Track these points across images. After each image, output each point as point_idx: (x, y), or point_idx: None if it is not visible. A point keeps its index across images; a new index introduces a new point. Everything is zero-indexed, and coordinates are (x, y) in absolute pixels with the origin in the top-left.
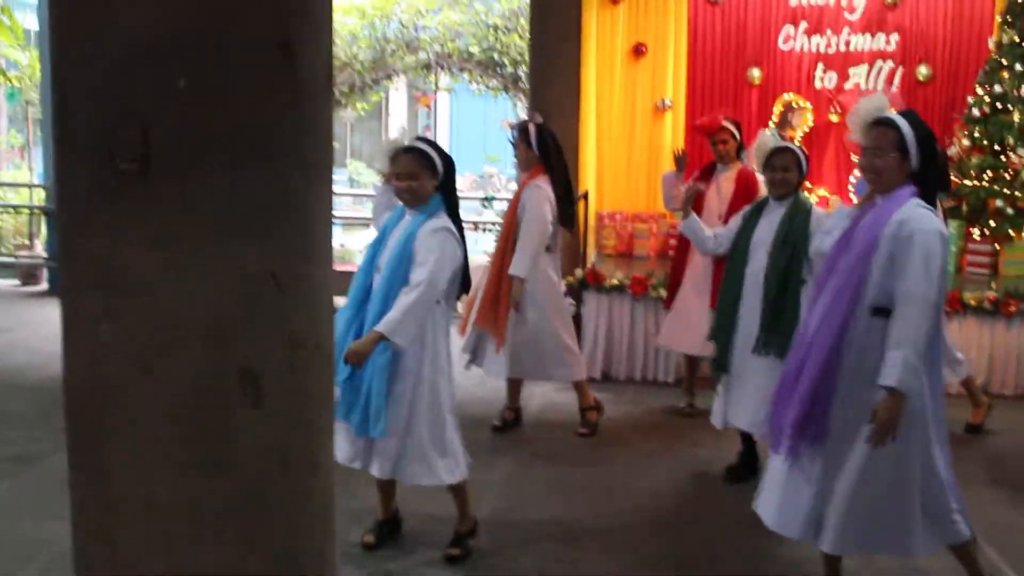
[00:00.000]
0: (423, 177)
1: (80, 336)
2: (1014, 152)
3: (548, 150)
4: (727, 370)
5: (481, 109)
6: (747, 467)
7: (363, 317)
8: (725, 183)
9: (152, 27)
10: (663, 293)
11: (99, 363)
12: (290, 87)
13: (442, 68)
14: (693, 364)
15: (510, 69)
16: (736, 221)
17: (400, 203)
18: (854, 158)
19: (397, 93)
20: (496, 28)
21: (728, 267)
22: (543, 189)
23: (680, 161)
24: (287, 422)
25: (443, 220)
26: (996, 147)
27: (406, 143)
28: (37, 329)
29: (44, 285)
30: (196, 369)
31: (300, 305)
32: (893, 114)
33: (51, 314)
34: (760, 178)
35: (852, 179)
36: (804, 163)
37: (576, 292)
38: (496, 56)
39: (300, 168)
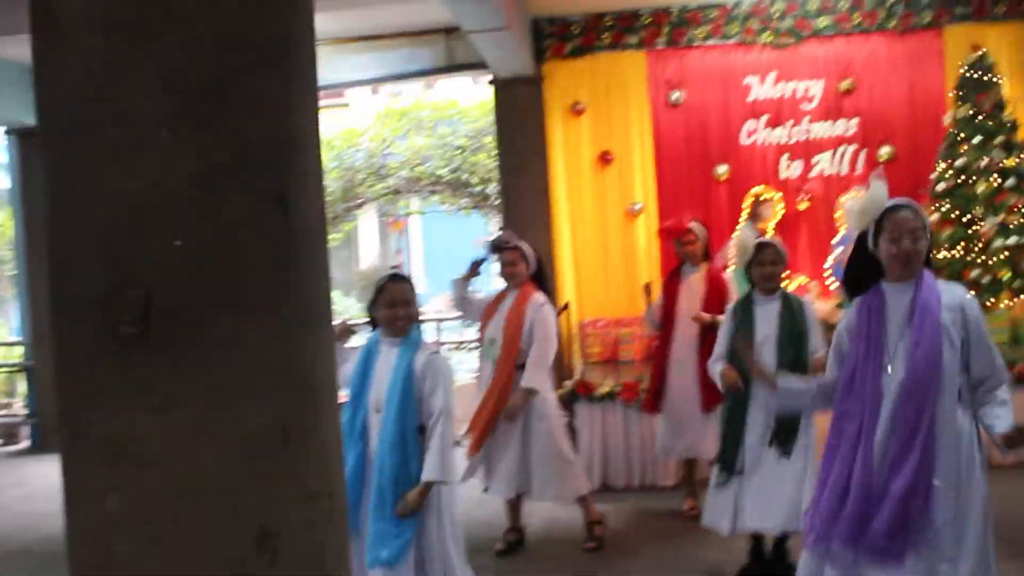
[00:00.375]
0: (415, 305)
1: (85, 510)
2: (982, 222)
3: (541, 266)
4: (740, 471)
5: (453, 229)
6: (759, 568)
7: (368, 458)
8: (695, 284)
9: (147, 188)
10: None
11: (107, 538)
12: (287, 239)
13: (412, 192)
14: (692, 466)
15: (479, 187)
16: (730, 319)
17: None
18: (837, 239)
19: (368, 220)
20: (463, 149)
21: (737, 364)
22: (548, 306)
23: (649, 292)
24: None
25: (431, 346)
26: (964, 219)
27: (397, 270)
28: (22, 489)
29: (26, 443)
30: (210, 535)
31: (312, 457)
32: (909, 200)
33: (35, 473)
34: (728, 276)
35: (828, 264)
36: (785, 255)
37: (567, 404)
38: (464, 176)
39: (302, 319)
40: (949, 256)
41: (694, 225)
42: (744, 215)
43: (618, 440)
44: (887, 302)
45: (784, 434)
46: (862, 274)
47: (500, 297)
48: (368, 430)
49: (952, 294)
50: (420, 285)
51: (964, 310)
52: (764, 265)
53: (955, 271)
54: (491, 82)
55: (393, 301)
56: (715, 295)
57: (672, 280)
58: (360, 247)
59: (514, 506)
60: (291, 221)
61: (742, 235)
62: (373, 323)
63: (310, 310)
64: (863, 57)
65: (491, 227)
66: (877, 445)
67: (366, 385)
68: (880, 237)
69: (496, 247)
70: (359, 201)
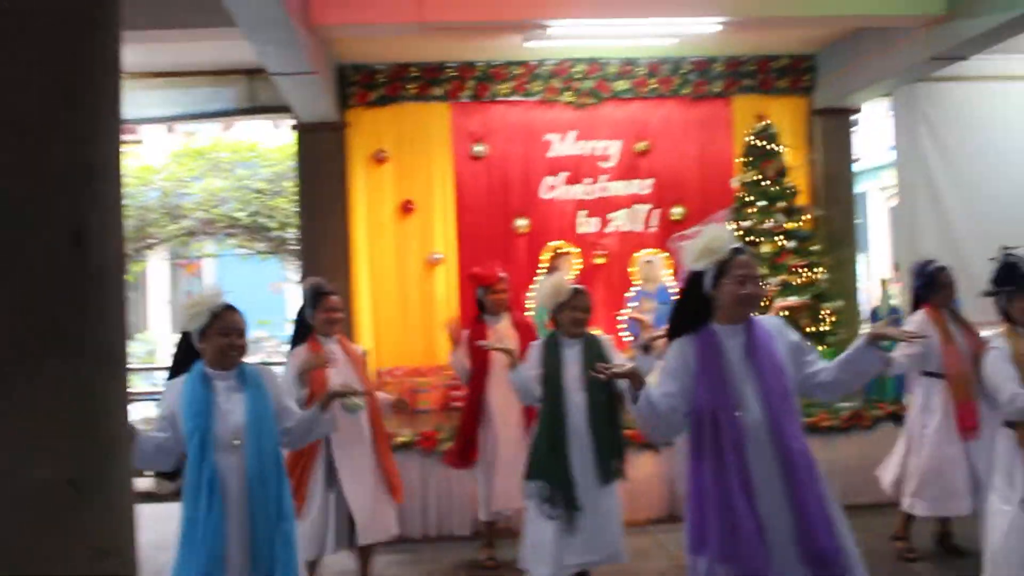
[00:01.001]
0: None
1: None
2: (766, 281)
3: None
4: (580, 507)
5: (248, 273)
6: None
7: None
8: (504, 331)
9: None
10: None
11: None
12: (83, 277)
13: (207, 234)
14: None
15: (277, 232)
16: (537, 358)
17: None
18: (632, 294)
19: (159, 261)
20: (261, 192)
21: (548, 407)
22: None
23: (453, 331)
24: None
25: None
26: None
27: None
28: None
29: None
30: None
31: (102, 513)
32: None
33: None
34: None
35: (622, 318)
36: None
37: None
38: (262, 220)
39: (94, 361)
40: None
41: (504, 275)
42: (544, 268)
43: (415, 489)
44: (723, 343)
45: (606, 459)
46: (693, 315)
47: (316, 347)
48: (220, 472)
49: (771, 324)
50: None
51: (783, 334)
52: (577, 311)
53: None
54: (294, 127)
55: (228, 329)
56: (527, 340)
57: (478, 328)
58: (149, 289)
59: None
60: (87, 259)
61: (557, 279)
62: (190, 356)
63: (106, 354)
64: (658, 120)
65: (288, 272)
66: (756, 480)
67: (210, 425)
68: (724, 278)
69: (321, 292)
70: (150, 242)
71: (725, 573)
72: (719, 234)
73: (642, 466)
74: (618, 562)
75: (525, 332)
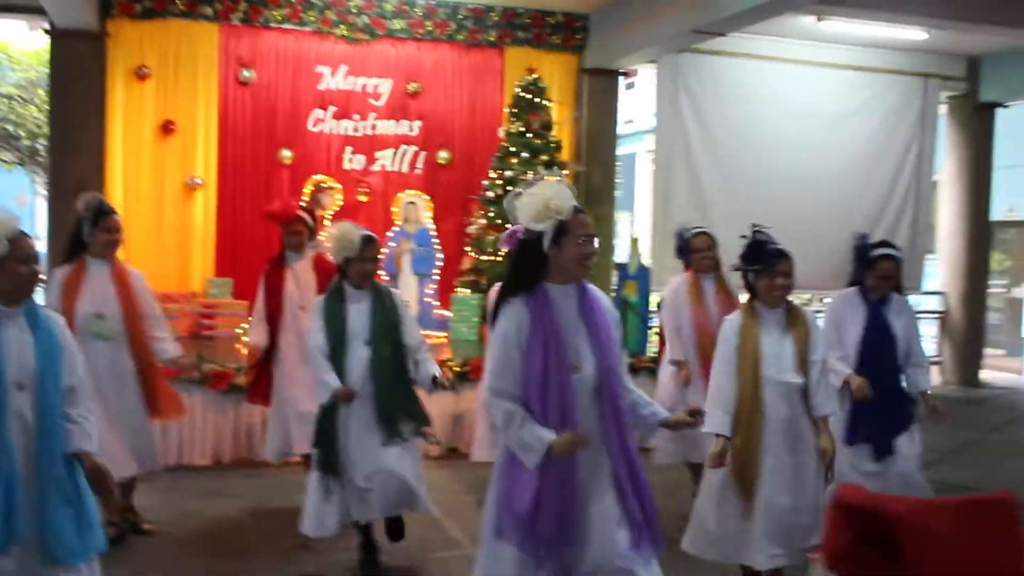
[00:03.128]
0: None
1: None
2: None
3: None
4: (341, 473)
5: None
6: (375, 554)
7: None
8: (303, 272)
9: None
10: (196, 375)
11: None
12: None
13: None
14: None
15: (27, 142)
16: (319, 315)
17: None
18: (392, 234)
19: None
20: (11, 98)
21: (330, 359)
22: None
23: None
24: None
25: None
26: (508, 226)
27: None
28: None
29: None
30: None
31: None
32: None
33: None
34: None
35: (381, 257)
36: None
37: None
38: (11, 128)
39: None
40: (491, 260)
41: (303, 213)
42: (304, 200)
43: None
44: (555, 303)
45: (392, 419)
46: (530, 273)
47: (80, 269)
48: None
49: (601, 295)
50: None
51: (610, 310)
52: (366, 262)
53: (495, 273)
54: (47, 31)
55: (27, 257)
56: (326, 281)
57: (277, 268)
58: None
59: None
60: None
61: (346, 228)
62: None
63: None
64: (431, 63)
65: (38, 184)
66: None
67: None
68: (565, 238)
69: (103, 211)
70: None
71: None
72: (561, 193)
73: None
74: (412, 510)
75: (324, 271)
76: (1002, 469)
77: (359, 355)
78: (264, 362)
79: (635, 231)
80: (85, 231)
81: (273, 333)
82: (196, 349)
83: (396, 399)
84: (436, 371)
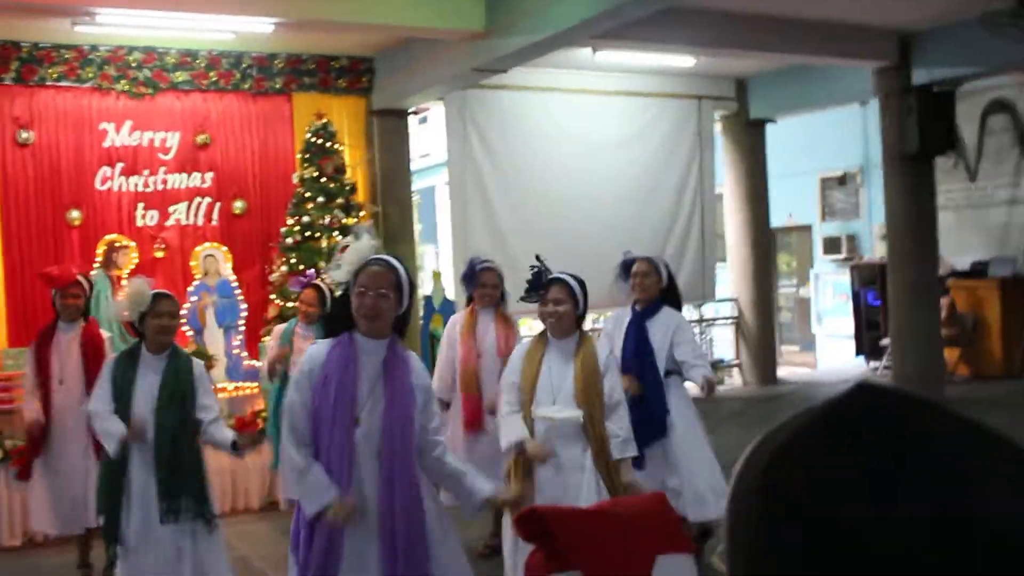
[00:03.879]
0: None
1: None
2: (326, 274)
3: None
4: (123, 542)
5: None
6: None
7: None
8: (69, 342)
9: None
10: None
11: None
12: None
13: None
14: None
15: None
16: (107, 379)
17: None
18: (193, 288)
19: None
20: None
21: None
22: None
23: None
24: None
25: None
26: (311, 271)
27: None
28: None
29: None
30: None
31: None
32: (386, 257)
33: None
34: (106, 335)
35: (183, 312)
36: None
37: None
38: None
39: None
40: (294, 307)
41: (81, 277)
42: (99, 262)
43: None
44: (360, 354)
45: (172, 495)
46: (342, 320)
47: None
48: None
49: (416, 361)
50: None
51: (421, 375)
52: (162, 317)
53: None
54: None
55: None
56: (93, 353)
57: (45, 339)
58: None
59: None
60: None
61: (136, 284)
62: None
63: None
64: (218, 114)
65: None
66: (355, 486)
67: None
68: (353, 289)
69: None
70: None
71: None
72: (360, 247)
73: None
74: None
75: (91, 346)
76: None
77: (144, 424)
78: (33, 437)
79: (440, 264)
80: None
81: (45, 406)
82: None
83: (181, 475)
84: (230, 435)
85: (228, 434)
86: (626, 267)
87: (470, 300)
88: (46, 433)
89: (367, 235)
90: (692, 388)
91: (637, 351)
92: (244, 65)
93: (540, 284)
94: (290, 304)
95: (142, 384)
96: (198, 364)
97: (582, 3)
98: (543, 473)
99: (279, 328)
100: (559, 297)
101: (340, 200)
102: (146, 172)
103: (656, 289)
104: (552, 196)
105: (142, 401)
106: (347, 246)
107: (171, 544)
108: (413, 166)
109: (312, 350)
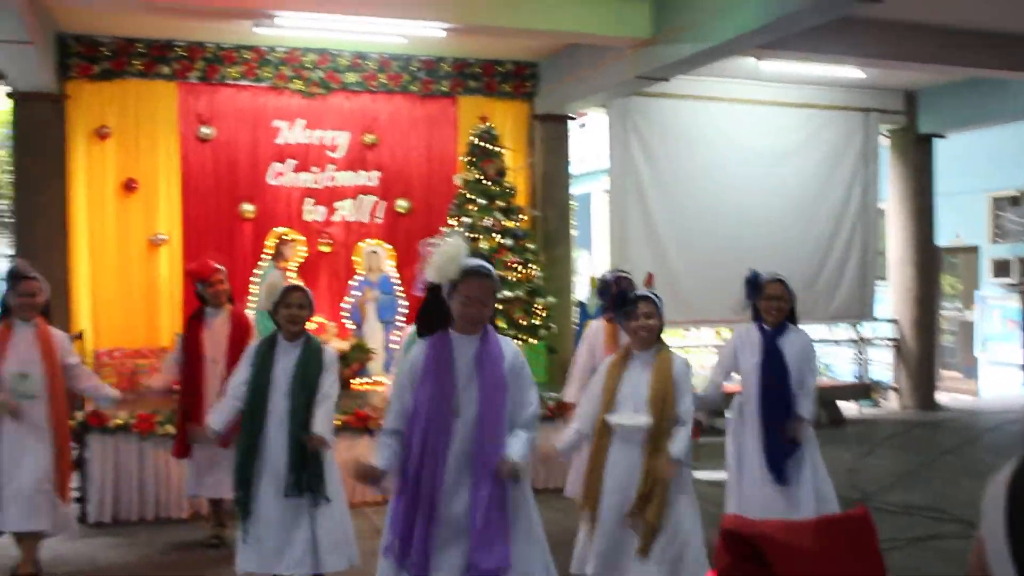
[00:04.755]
0: None
1: None
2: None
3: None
4: (251, 513)
5: None
6: None
7: None
8: (219, 326)
9: None
10: (171, 430)
11: None
12: None
13: None
14: (219, 502)
15: None
16: (248, 362)
17: None
18: (355, 283)
19: None
20: None
21: (249, 411)
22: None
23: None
24: None
25: None
26: None
27: None
28: None
29: None
30: None
31: None
32: (484, 265)
33: None
34: (251, 317)
35: (346, 306)
36: (312, 301)
37: (78, 435)
38: None
39: None
40: None
41: (221, 267)
42: (268, 254)
43: (132, 473)
44: (455, 350)
45: (298, 470)
46: (433, 319)
47: (5, 330)
48: None
49: (508, 347)
50: None
51: (515, 361)
52: (291, 307)
53: None
54: (9, 95)
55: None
56: (240, 336)
57: (195, 323)
58: None
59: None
60: None
61: (271, 277)
62: None
63: None
64: (386, 115)
65: (2, 245)
66: (448, 477)
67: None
68: (455, 296)
69: (19, 276)
70: None
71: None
72: (454, 252)
73: (359, 449)
74: (323, 571)
75: (240, 329)
76: (954, 490)
77: (278, 406)
78: (184, 416)
79: (593, 269)
80: (8, 295)
81: (197, 385)
82: (167, 404)
83: (307, 457)
84: (315, 429)
85: (315, 426)
86: (754, 285)
87: (606, 310)
88: (199, 410)
89: (456, 236)
90: None
91: (774, 370)
92: (412, 68)
93: (630, 300)
94: None
95: (278, 368)
96: (329, 352)
97: (749, 13)
98: (608, 483)
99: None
100: (649, 311)
101: (501, 203)
102: (315, 169)
103: (787, 310)
104: (712, 206)
105: (278, 383)
106: (434, 246)
107: (292, 516)
108: (569, 173)
109: (412, 354)
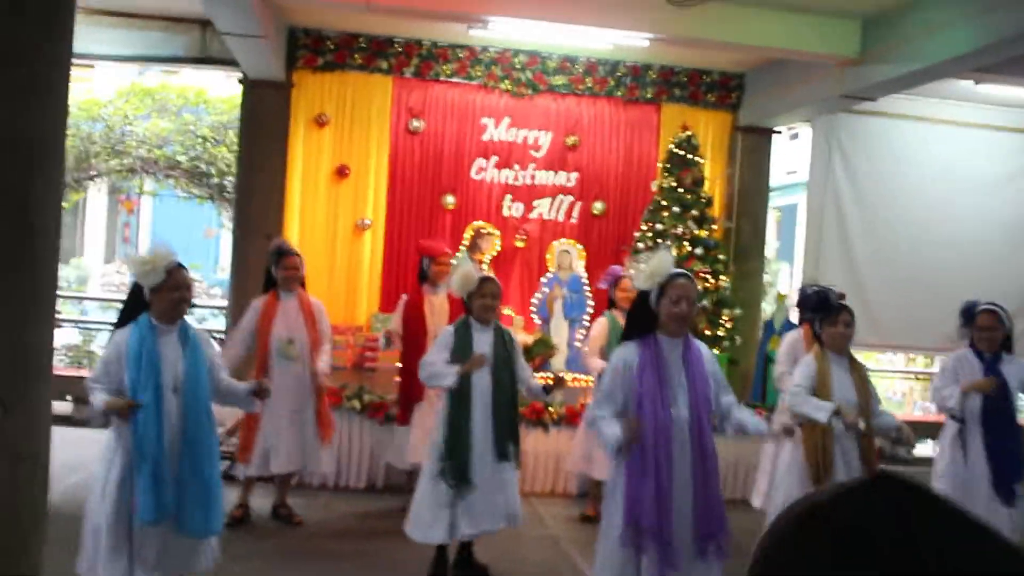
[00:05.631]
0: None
1: None
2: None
3: None
4: (471, 484)
5: (186, 215)
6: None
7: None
8: (440, 303)
9: None
10: (357, 405)
11: None
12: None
13: (147, 173)
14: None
15: (216, 179)
16: (444, 344)
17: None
18: (546, 279)
19: (98, 193)
20: (205, 139)
21: (456, 389)
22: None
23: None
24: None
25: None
26: (615, 267)
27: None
28: None
29: None
30: None
31: (23, 421)
32: (686, 271)
33: None
34: None
35: (534, 301)
36: (501, 291)
37: None
38: (203, 166)
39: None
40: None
41: (450, 251)
42: (464, 245)
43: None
44: (665, 351)
45: (504, 439)
46: (642, 323)
47: (273, 300)
48: (165, 409)
49: (704, 349)
50: None
51: (711, 361)
52: (486, 297)
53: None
54: (241, 80)
55: (179, 285)
56: (458, 315)
57: (416, 296)
58: (87, 219)
59: (250, 483)
60: (27, 225)
61: (465, 267)
62: (137, 307)
63: (35, 309)
64: (590, 118)
65: (224, 219)
66: (675, 465)
67: (159, 372)
68: (663, 298)
69: (282, 252)
70: (92, 174)
71: (636, 537)
72: (664, 260)
73: (531, 442)
74: (514, 526)
75: (458, 307)
76: None
77: (482, 383)
78: (407, 386)
79: (790, 283)
80: (272, 269)
81: (413, 358)
82: (358, 379)
83: (511, 424)
84: (540, 384)
85: (539, 383)
86: (969, 315)
87: (803, 320)
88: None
89: (665, 251)
90: None
91: (998, 397)
92: (619, 73)
93: (834, 306)
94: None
95: (478, 349)
96: (510, 332)
97: (963, 36)
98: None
99: (603, 321)
100: (848, 320)
101: (695, 212)
102: (517, 167)
103: (1001, 339)
104: (913, 230)
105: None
106: (644, 256)
107: (499, 478)
108: (778, 181)
109: (622, 352)
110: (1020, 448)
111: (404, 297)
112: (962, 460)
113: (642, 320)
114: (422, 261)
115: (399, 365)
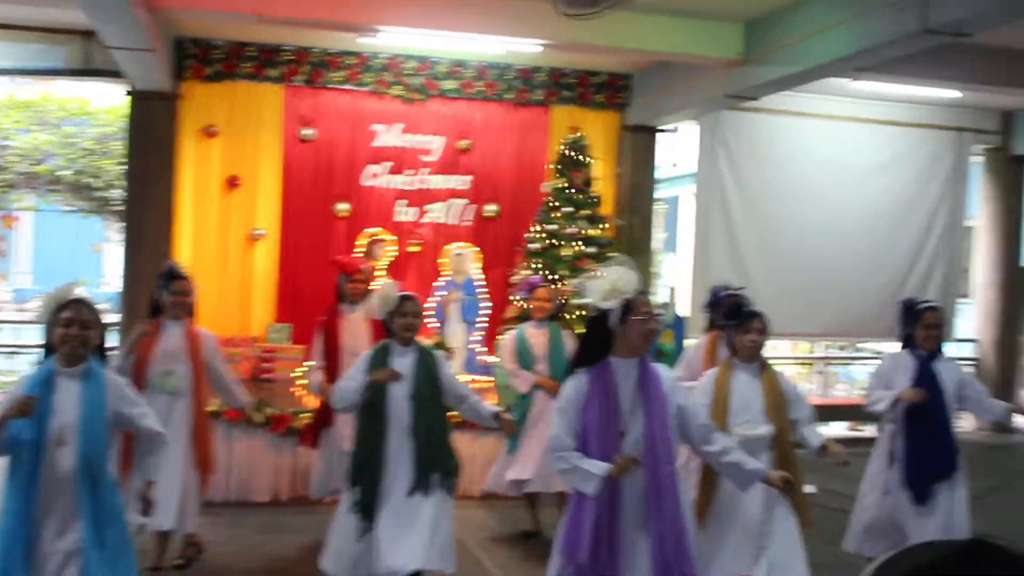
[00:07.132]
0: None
1: None
2: (565, 282)
3: None
4: (375, 513)
5: (68, 229)
6: None
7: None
8: (358, 321)
9: None
10: (256, 418)
11: None
12: None
13: (28, 188)
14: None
15: (101, 192)
16: (361, 368)
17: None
18: (441, 283)
19: None
20: (89, 151)
21: (369, 415)
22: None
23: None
24: None
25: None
26: (551, 277)
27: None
28: None
29: None
30: None
31: None
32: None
33: None
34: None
35: (430, 305)
36: (421, 308)
37: None
38: (87, 179)
39: None
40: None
41: (365, 267)
42: (360, 252)
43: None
44: (616, 375)
45: (426, 469)
46: (598, 347)
47: (156, 328)
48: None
49: (662, 369)
50: (25, 282)
51: (672, 384)
52: (407, 316)
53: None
54: (128, 92)
55: (70, 321)
56: (380, 334)
57: (333, 317)
58: None
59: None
60: None
61: (387, 288)
62: (48, 348)
63: None
64: (481, 121)
65: (110, 233)
66: (624, 498)
67: (44, 423)
68: (631, 315)
69: (174, 274)
70: None
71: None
72: (626, 275)
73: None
74: (444, 569)
75: (378, 326)
76: (1019, 516)
77: (400, 409)
78: (322, 407)
79: (676, 275)
80: (159, 293)
81: (330, 379)
82: (255, 391)
83: (433, 452)
84: (493, 408)
85: (489, 407)
86: (912, 313)
87: (712, 326)
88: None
89: (626, 267)
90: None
91: (930, 395)
92: (509, 76)
93: (744, 314)
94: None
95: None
96: (440, 356)
97: (841, 39)
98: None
99: (512, 334)
100: (761, 327)
101: (586, 211)
102: (409, 172)
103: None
104: (795, 220)
105: (398, 387)
106: (597, 272)
107: (420, 512)
108: (662, 174)
109: (573, 383)
110: (950, 449)
111: (320, 320)
112: (887, 466)
113: (598, 343)
114: (338, 279)
115: (295, 374)
